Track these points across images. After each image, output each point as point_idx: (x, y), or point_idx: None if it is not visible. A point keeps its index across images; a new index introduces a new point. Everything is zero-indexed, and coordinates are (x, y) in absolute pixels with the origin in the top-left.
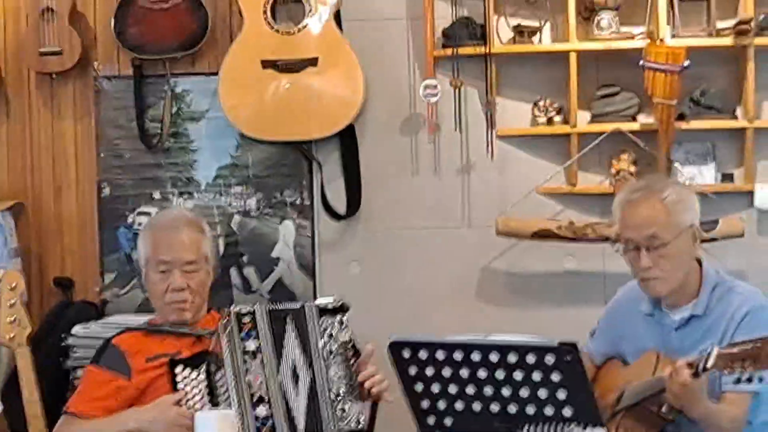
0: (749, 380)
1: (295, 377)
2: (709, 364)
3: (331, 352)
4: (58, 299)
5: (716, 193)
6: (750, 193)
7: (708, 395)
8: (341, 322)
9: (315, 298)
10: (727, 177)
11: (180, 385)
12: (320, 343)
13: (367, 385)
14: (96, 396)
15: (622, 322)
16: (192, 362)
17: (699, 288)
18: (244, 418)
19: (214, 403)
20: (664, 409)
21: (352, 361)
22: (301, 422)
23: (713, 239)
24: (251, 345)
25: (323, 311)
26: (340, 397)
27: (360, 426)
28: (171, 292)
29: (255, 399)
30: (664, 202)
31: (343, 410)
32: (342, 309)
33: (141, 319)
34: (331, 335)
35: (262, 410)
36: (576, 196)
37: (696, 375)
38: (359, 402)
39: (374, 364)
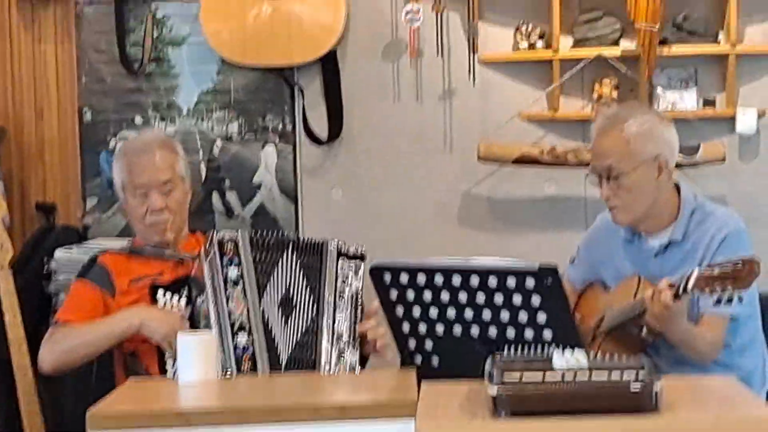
0: (729, 301)
1: (288, 308)
2: (690, 284)
3: (341, 294)
4: (40, 224)
5: (698, 118)
6: (732, 119)
7: (687, 319)
8: (357, 270)
9: (297, 223)
10: (709, 102)
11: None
12: (333, 283)
13: (369, 336)
14: (85, 307)
15: (602, 247)
16: (173, 287)
17: (677, 213)
18: (224, 345)
19: (195, 327)
20: (644, 331)
21: (358, 311)
22: (284, 353)
23: (695, 164)
24: (233, 272)
25: (342, 254)
26: (342, 340)
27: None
28: (151, 213)
29: (235, 327)
30: (623, 132)
31: (341, 353)
32: (361, 258)
33: (123, 243)
34: (345, 279)
35: (242, 338)
36: (558, 122)
37: (677, 296)
38: (357, 351)
39: (379, 322)
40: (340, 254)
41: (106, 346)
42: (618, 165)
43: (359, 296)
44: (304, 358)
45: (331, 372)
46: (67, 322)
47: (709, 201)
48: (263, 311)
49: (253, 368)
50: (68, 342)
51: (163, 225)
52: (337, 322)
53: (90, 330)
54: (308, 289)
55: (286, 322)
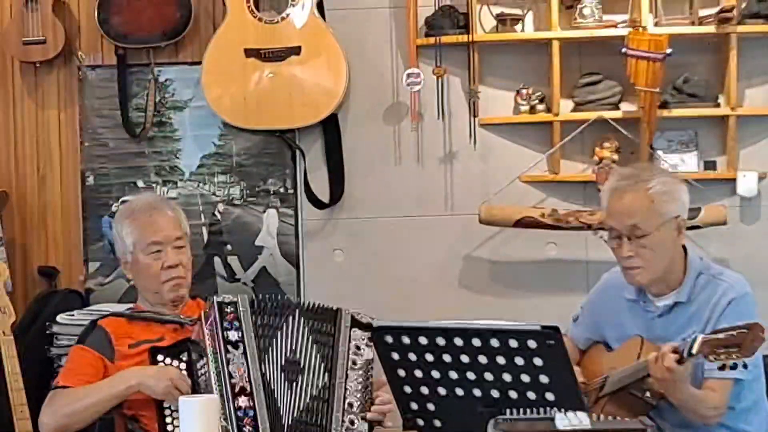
0: (733, 367)
1: (293, 372)
2: (694, 350)
3: (354, 363)
4: (43, 288)
5: (699, 180)
6: (733, 181)
7: (691, 381)
8: (370, 340)
9: (299, 287)
10: (710, 165)
11: None
12: (346, 352)
13: (378, 408)
14: (84, 372)
15: (606, 307)
16: (173, 350)
17: (683, 275)
18: (225, 408)
19: (196, 391)
20: (647, 394)
21: (368, 381)
22: (288, 417)
23: (696, 227)
24: (233, 335)
25: (357, 323)
26: (352, 409)
27: None
28: (166, 269)
29: (236, 389)
30: (648, 192)
31: (352, 422)
32: (372, 328)
33: (125, 308)
34: (358, 347)
35: (243, 401)
36: (559, 184)
37: (680, 361)
38: (365, 423)
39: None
40: (353, 323)
41: (106, 409)
42: (643, 224)
43: (370, 366)
44: (311, 423)
45: None
46: (66, 388)
47: (714, 263)
48: (264, 375)
49: None
50: (68, 406)
51: (179, 280)
52: (348, 390)
53: (89, 393)
54: (318, 355)
55: (290, 386)
